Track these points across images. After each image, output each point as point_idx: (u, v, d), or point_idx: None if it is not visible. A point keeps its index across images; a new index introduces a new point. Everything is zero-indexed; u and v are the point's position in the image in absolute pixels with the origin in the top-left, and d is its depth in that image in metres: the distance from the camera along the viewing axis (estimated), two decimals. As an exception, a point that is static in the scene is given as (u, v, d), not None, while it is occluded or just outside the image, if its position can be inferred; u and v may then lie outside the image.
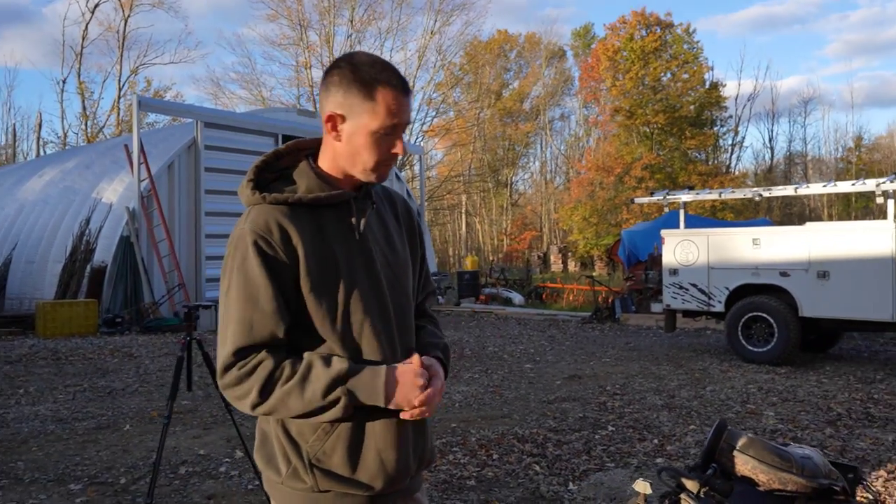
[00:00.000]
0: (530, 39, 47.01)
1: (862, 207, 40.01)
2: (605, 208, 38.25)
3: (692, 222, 11.50)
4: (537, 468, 4.57)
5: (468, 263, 23.50)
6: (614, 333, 11.83)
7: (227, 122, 14.06)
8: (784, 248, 8.48)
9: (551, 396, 6.71)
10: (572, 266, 39.22)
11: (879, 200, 7.97)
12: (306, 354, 1.40)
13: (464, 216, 43.75)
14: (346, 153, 1.45)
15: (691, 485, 1.92)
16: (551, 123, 47.61)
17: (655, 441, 5.20)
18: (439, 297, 17.35)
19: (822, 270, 8.15)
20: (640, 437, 5.30)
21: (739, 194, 9.88)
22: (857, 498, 2.22)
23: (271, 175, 1.50)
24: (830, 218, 39.27)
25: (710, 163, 41.61)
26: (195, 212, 13.62)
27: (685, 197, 9.99)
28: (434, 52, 35.28)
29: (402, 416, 1.42)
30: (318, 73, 31.73)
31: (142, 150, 12.75)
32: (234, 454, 4.90)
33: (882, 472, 4.47)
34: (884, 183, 7.97)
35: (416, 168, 34.69)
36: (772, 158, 46.02)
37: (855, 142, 43.92)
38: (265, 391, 1.35)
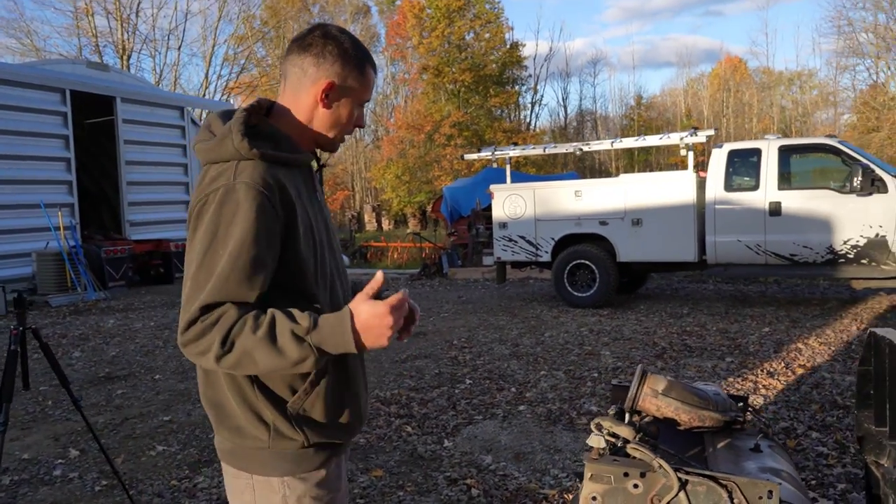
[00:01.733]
0: (334, -7, 45.75)
1: (643, 161, 44.39)
2: (416, 166, 38.82)
3: (504, 177, 11.93)
4: (409, 429, 4.53)
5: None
6: (445, 288, 12.09)
7: (0, 75, 12.11)
8: (602, 198, 9.10)
9: (402, 355, 6.70)
10: (387, 224, 39.56)
11: (683, 152, 8.78)
12: (269, 309, 1.35)
13: (274, 177, 42.11)
14: (328, 119, 1.54)
15: (626, 432, 1.95)
16: (358, 81, 47.02)
17: (513, 389, 5.38)
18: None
19: (636, 218, 8.87)
20: (498, 388, 5.45)
21: (562, 149, 10.41)
22: (749, 425, 2.40)
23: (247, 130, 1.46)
24: (617, 171, 43.11)
25: (511, 120, 43.68)
26: (-36, 180, 11.71)
27: (512, 152, 10.34)
28: (236, 3, 33.06)
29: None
30: (101, 22, 28.52)
31: None
32: (67, 453, 4.32)
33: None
34: (686, 137, 8.80)
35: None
36: (565, 116, 49.24)
37: (636, 100, 48.34)
38: (227, 341, 1.30)
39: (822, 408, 4.61)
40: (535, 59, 44.01)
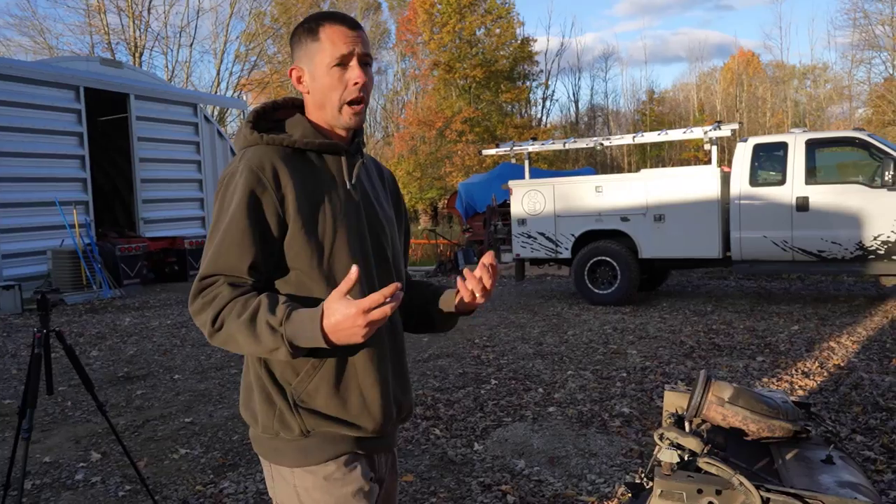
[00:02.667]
0: (344, -10, 45.63)
1: (654, 156, 44.07)
2: (427, 162, 38.72)
3: (520, 173, 11.73)
4: (437, 432, 4.41)
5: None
6: (461, 285, 11.95)
7: (15, 73, 11.99)
8: (624, 194, 8.94)
9: (424, 355, 6.58)
10: (397, 221, 39.36)
11: (707, 147, 8.60)
12: (260, 295, 1.37)
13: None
14: (316, 101, 1.50)
15: (695, 444, 1.82)
16: (369, 77, 46.84)
17: (541, 390, 5.25)
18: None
19: (658, 214, 8.71)
20: (524, 388, 5.32)
21: (582, 144, 10.26)
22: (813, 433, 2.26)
23: (267, 124, 1.53)
24: (630, 166, 42.83)
25: (522, 116, 43.44)
26: (-20, 178, 11.67)
27: (531, 148, 10.19)
28: (247, 0, 32.98)
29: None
30: (114, 19, 28.55)
31: None
32: (89, 456, 4.23)
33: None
34: (710, 131, 8.61)
35: (235, 125, 32.66)
36: (577, 111, 48.87)
37: (648, 95, 47.96)
38: (217, 321, 1.36)
39: (863, 410, 4.45)
40: (546, 54, 43.67)
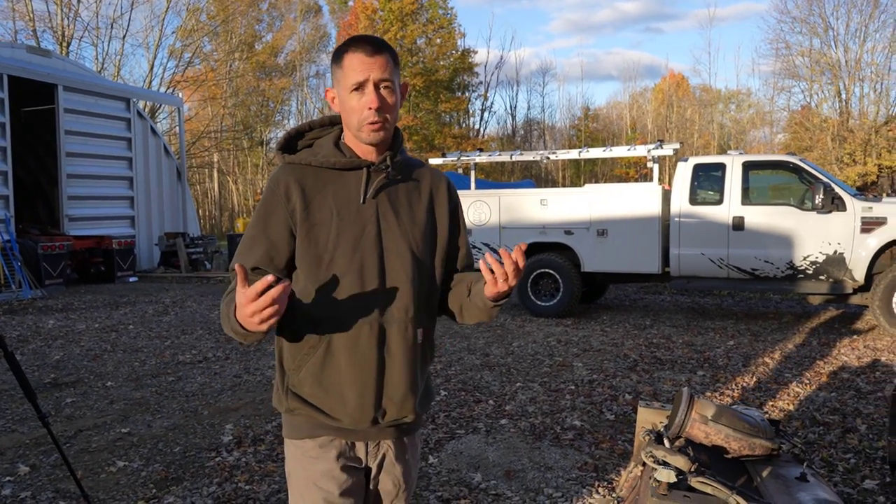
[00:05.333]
0: (284, -9, 44.93)
1: (589, 171, 45.09)
2: (364, 169, 38.39)
3: (462, 183, 11.76)
4: (390, 444, 4.32)
5: (240, 226, 22.06)
6: (402, 294, 11.85)
7: (-68, 56, 11.31)
8: (568, 208, 9.07)
9: (370, 364, 6.46)
10: (333, 227, 38.88)
11: (650, 164, 8.82)
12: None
13: (216, 175, 41.05)
14: (344, 120, 1.66)
15: (683, 463, 1.82)
16: (307, 80, 46.30)
17: (491, 402, 5.23)
18: (206, 264, 16.05)
19: (601, 229, 8.87)
20: (475, 400, 5.30)
21: (529, 157, 10.35)
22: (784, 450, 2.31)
23: (305, 142, 1.74)
24: (565, 180, 43.69)
25: (461, 126, 43.75)
26: None
27: (478, 158, 10.22)
28: (182, -6, 32.00)
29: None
30: (40, 5, 27.18)
31: None
32: (16, 469, 3.95)
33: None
34: (653, 149, 8.84)
35: (166, 123, 31.64)
36: (514, 124, 49.54)
37: (583, 112, 49.06)
38: (222, 308, 1.53)
39: (802, 424, 4.62)
40: (486, 66, 44.12)
